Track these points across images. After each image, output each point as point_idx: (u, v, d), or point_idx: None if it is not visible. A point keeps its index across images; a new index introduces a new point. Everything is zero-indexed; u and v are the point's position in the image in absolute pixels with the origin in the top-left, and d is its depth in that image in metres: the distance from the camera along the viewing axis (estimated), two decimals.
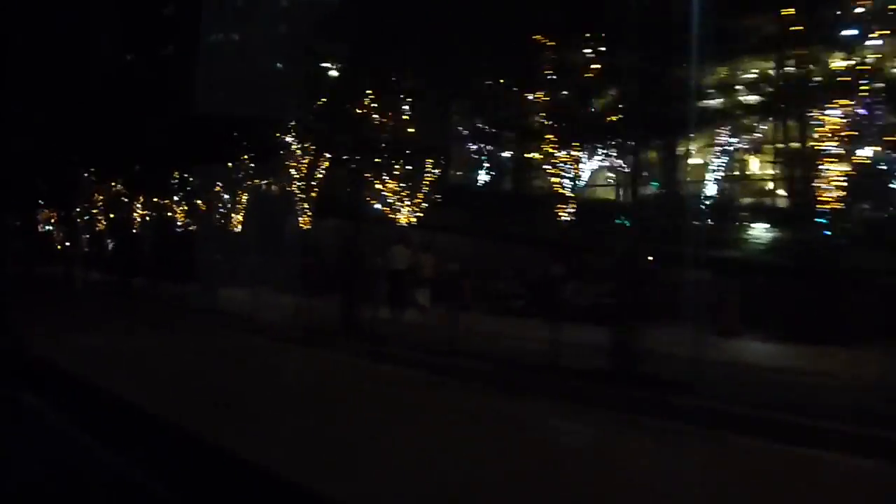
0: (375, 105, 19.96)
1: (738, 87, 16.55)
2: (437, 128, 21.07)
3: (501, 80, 18.03)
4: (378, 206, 21.38)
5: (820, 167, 14.34)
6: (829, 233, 16.11)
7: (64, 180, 37.57)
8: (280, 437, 6.55)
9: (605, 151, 18.25)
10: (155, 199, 30.65)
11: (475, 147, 22.14)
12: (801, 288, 14.51)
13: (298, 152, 24.53)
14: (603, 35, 16.10)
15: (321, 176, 24.89)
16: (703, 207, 19.23)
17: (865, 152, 14.42)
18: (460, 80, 18.58)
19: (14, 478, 5.22)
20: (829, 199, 14.05)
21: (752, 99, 16.99)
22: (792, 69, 15.74)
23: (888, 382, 8.30)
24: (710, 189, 19.67)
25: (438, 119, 20.91)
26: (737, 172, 19.94)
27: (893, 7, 13.37)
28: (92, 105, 37.42)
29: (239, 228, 27.20)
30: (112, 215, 35.26)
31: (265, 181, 27.21)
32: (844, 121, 13.70)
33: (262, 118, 26.68)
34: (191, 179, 29.43)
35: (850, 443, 6.59)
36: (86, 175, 36.10)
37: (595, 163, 20.49)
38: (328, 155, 24.57)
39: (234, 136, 27.30)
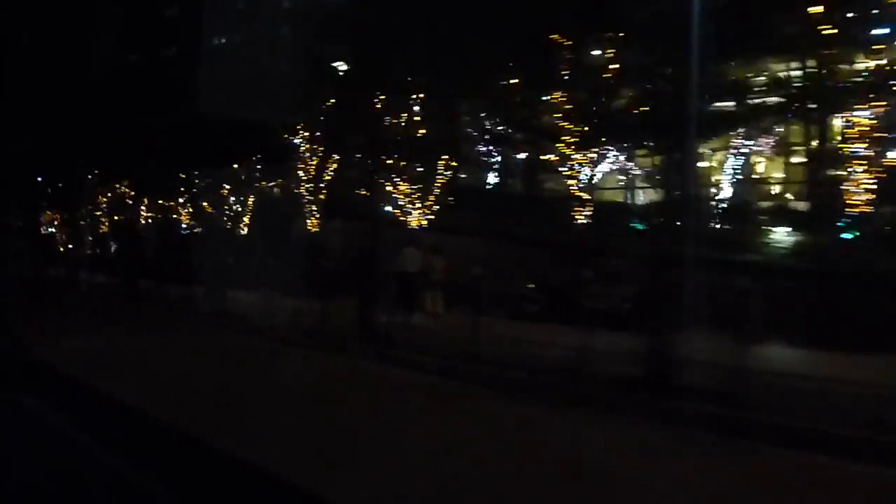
0: (387, 105, 19.65)
1: (761, 87, 16.17)
2: (449, 128, 20.68)
3: (516, 80, 17.62)
4: (388, 207, 21.00)
5: (848, 169, 14.02)
6: (850, 236, 15.81)
7: (68, 181, 37.21)
8: (301, 450, 6.17)
9: (623, 153, 17.87)
10: (160, 201, 30.28)
11: (486, 148, 21.73)
12: (827, 292, 14.15)
13: (307, 153, 24.16)
14: (622, 34, 15.86)
15: (329, 177, 24.53)
16: (722, 210, 18.91)
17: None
18: (474, 79, 18.17)
19: (13, 479, 5.19)
20: (858, 203, 13.71)
21: (775, 99, 16.66)
22: (813, 69, 15.46)
23: None
24: (728, 191, 19.35)
25: (451, 119, 20.51)
26: (756, 174, 19.55)
27: None
28: (95, 105, 37.08)
29: (245, 230, 26.81)
30: (116, 217, 34.89)
31: (272, 182, 26.83)
32: (874, 122, 13.36)
33: (268, 119, 26.33)
34: (196, 181, 29.03)
35: None
36: (89, 177, 35.73)
37: (605, 165, 20.19)
38: (337, 156, 24.29)
39: (239, 137, 26.93)
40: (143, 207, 31.93)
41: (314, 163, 24.39)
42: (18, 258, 41.45)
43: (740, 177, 18.18)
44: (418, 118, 20.38)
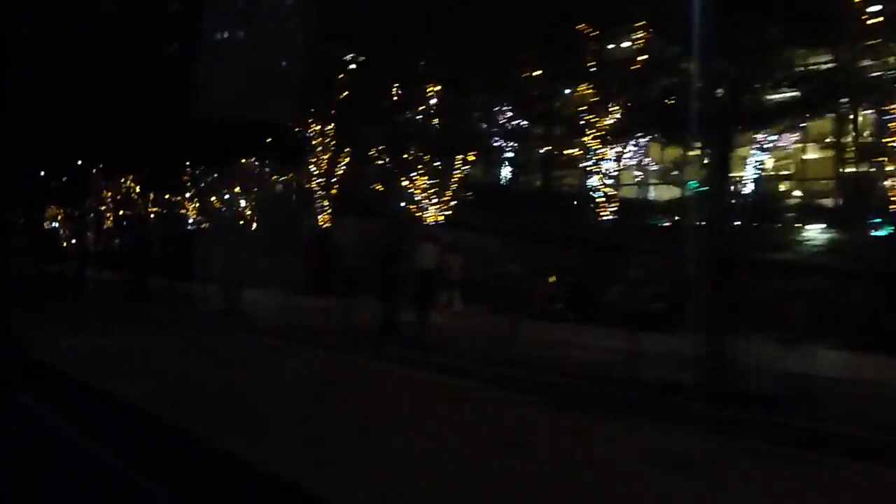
0: (404, 97, 19.12)
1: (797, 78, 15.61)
2: (468, 122, 20.12)
3: (539, 72, 17.07)
4: (404, 203, 20.45)
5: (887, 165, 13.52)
6: (885, 233, 15.29)
7: (72, 176, 36.69)
8: (332, 465, 5.64)
9: (653, 147, 17.33)
10: (167, 196, 29.75)
11: (506, 143, 21.18)
12: (867, 292, 13.64)
13: (319, 147, 23.62)
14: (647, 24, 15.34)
15: (341, 172, 24.01)
16: (753, 207, 18.39)
17: None
18: (495, 70, 17.62)
19: (13, 479, 5.11)
20: None
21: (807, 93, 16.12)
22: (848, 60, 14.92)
23: None
24: (753, 188, 18.82)
25: (470, 113, 19.96)
26: (784, 171, 19.00)
27: None
28: (100, 101, 36.55)
29: (254, 226, 26.26)
30: (122, 212, 34.37)
31: (282, 178, 26.29)
32: None
33: (279, 113, 25.82)
34: (205, 176, 28.52)
35: None
36: (94, 171, 35.20)
37: (621, 162, 19.64)
38: (349, 150, 23.75)
39: (249, 132, 26.42)
40: (148, 203, 31.38)
41: (326, 157, 23.87)
42: (20, 255, 40.95)
43: (771, 173, 17.64)
44: (435, 111, 19.84)
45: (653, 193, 21.21)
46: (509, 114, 20.05)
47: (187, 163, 29.01)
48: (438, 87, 19.38)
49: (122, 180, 33.08)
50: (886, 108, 13.49)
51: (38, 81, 40.32)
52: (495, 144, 21.10)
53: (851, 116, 16.54)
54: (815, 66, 16.21)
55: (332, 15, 22.04)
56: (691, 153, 19.85)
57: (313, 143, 23.89)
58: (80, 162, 35.50)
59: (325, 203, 24.21)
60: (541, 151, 20.40)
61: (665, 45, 16.03)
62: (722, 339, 8.74)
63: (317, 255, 23.19)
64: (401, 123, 18.90)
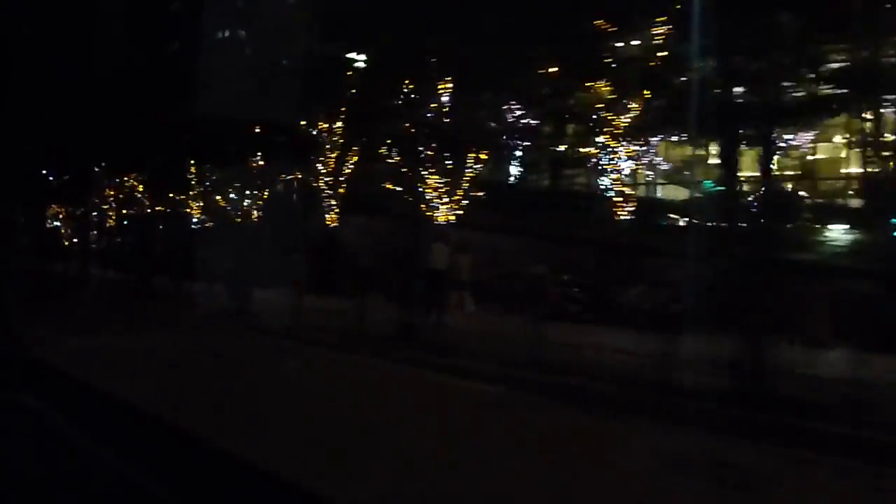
0: (415, 94, 18.85)
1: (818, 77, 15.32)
2: (480, 119, 19.80)
3: (555, 69, 16.76)
4: (415, 202, 20.13)
5: None
6: None
7: (74, 175, 36.28)
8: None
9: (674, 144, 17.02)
10: (171, 195, 29.37)
11: (518, 142, 20.87)
12: (892, 294, 13.35)
13: (327, 146, 23.31)
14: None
15: (349, 171, 23.69)
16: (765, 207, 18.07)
17: None
18: (509, 67, 17.30)
19: (13, 479, 5.06)
20: None
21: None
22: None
23: None
24: (769, 186, 18.52)
25: (482, 110, 19.63)
26: (801, 169, 18.72)
27: None
28: (100, 99, 36.17)
29: (260, 225, 25.93)
30: (124, 211, 34.02)
31: (289, 177, 25.96)
32: None
33: (285, 111, 25.51)
34: (210, 175, 28.17)
35: None
36: (96, 169, 34.80)
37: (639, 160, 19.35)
38: (358, 149, 23.44)
39: (253, 131, 26.07)
40: (151, 201, 30.98)
41: (334, 156, 23.55)
42: (21, 254, 40.64)
43: (789, 172, 17.36)
44: (446, 109, 19.54)
45: (660, 193, 20.95)
46: (522, 111, 19.73)
47: (191, 161, 28.64)
48: (450, 85, 19.06)
49: (125, 179, 32.70)
50: None
51: (39, 79, 39.93)
52: (508, 142, 20.77)
53: (871, 115, 16.26)
54: (837, 63, 15.97)
55: (341, 11, 21.75)
56: (707, 152, 19.63)
57: (321, 141, 23.57)
58: (82, 160, 35.08)
59: (333, 202, 23.88)
60: (554, 150, 20.09)
61: (681, 42, 15.78)
62: (758, 342, 8.46)
63: (324, 255, 22.91)
64: (412, 120, 18.64)
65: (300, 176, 25.46)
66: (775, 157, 18.40)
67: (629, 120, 15.84)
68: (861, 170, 16.83)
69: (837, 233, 15.76)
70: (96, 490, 5.00)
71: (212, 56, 31.13)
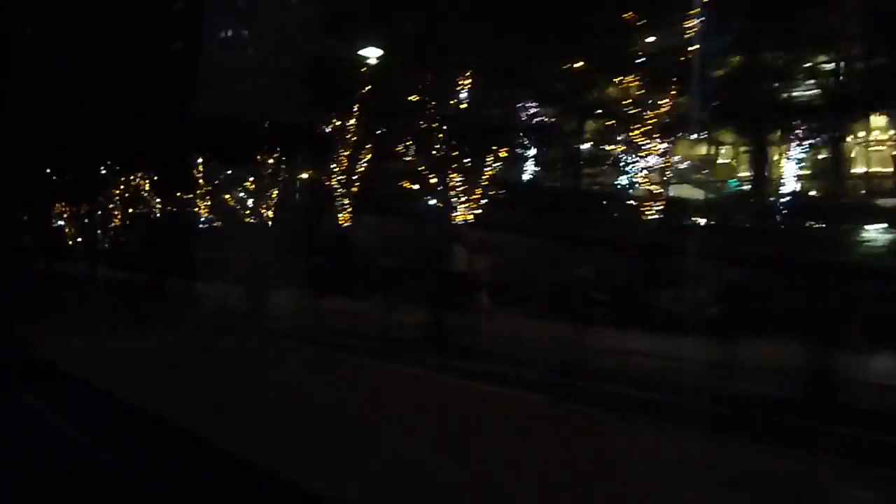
0: (434, 89, 18.36)
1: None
2: (502, 116, 19.27)
3: (581, 63, 16.22)
4: (433, 201, 19.65)
5: None
6: None
7: (80, 174, 35.84)
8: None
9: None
10: (178, 194, 28.88)
11: (538, 139, 20.32)
12: None
13: (339, 145, 22.81)
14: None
15: (363, 169, 23.18)
16: (793, 207, 17.61)
17: None
18: (533, 61, 16.80)
19: (14, 479, 4.97)
20: None
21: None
22: None
23: None
24: (798, 186, 18.05)
25: (504, 106, 19.11)
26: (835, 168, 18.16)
27: None
28: (107, 98, 35.76)
29: (270, 225, 25.38)
30: (131, 210, 33.52)
31: (300, 176, 25.43)
32: None
33: (297, 109, 25.04)
34: (218, 173, 27.67)
35: None
36: (103, 171, 34.36)
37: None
38: (370, 146, 22.93)
39: (265, 129, 25.61)
40: (158, 200, 30.52)
41: (347, 154, 23.04)
42: (22, 253, 40.17)
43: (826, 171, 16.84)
44: (464, 105, 19.02)
45: (683, 192, 20.43)
46: (546, 107, 19.20)
47: (199, 160, 28.15)
48: (470, 81, 18.54)
49: (132, 178, 32.20)
50: None
51: (44, 79, 39.52)
52: (530, 139, 20.24)
53: None
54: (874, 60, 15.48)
55: (357, 3, 21.30)
56: (737, 149, 19.15)
57: (335, 138, 23.08)
58: (87, 159, 34.65)
59: (346, 201, 23.36)
60: (579, 147, 19.57)
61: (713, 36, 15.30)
62: (827, 350, 7.95)
63: (338, 255, 22.39)
64: (433, 116, 18.15)
65: (313, 174, 24.93)
66: (808, 156, 17.98)
67: (656, 118, 15.30)
68: None
69: (875, 233, 15.25)
70: (96, 490, 4.93)
71: (222, 54, 30.74)
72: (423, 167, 18.82)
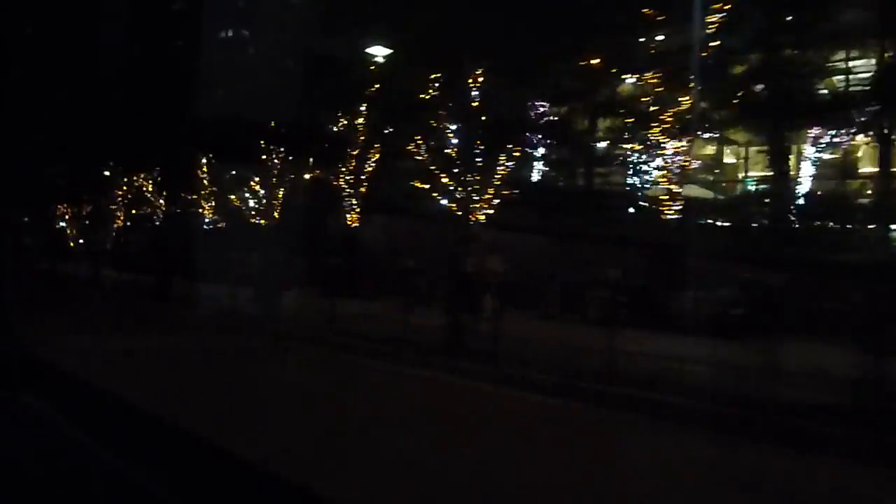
0: (444, 87, 17.95)
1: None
2: (515, 114, 18.88)
3: (598, 59, 15.84)
4: (444, 201, 19.23)
5: None
6: None
7: (81, 175, 35.39)
8: None
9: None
10: (182, 194, 28.45)
11: (552, 137, 19.94)
12: None
13: (349, 144, 22.44)
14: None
15: (371, 169, 22.81)
16: (811, 205, 17.27)
17: None
18: (547, 58, 16.42)
19: (14, 479, 4.48)
20: None
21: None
22: None
23: None
24: (815, 184, 17.73)
25: (517, 104, 18.72)
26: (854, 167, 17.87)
27: None
28: (110, 97, 35.32)
29: (277, 226, 24.96)
30: (133, 211, 33.08)
31: (307, 175, 25.01)
32: None
33: (303, 109, 24.67)
34: (223, 174, 27.24)
35: None
36: (106, 173, 33.93)
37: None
38: (378, 145, 22.57)
39: (271, 129, 25.21)
40: (162, 201, 30.07)
41: (355, 153, 22.67)
42: (23, 254, 39.78)
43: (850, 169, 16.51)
44: (475, 104, 18.63)
45: (697, 191, 20.09)
46: (561, 105, 18.84)
47: (203, 160, 27.75)
48: (481, 79, 18.14)
49: (135, 178, 31.76)
50: None
51: (45, 79, 39.11)
52: (543, 138, 19.86)
53: None
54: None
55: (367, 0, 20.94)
56: (758, 148, 18.79)
57: (342, 137, 22.71)
58: (89, 160, 34.21)
59: (354, 201, 22.98)
60: (596, 145, 19.20)
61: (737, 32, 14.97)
62: (881, 355, 7.58)
63: (347, 256, 22.05)
64: (443, 115, 17.77)
65: (320, 174, 24.54)
66: (829, 155, 17.66)
67: (675, 116, 14.92)
68: None
69: None
70: (96, 490, 4.53)
71: (228, 52, 30.35)
72: (435, 166, 18.41)
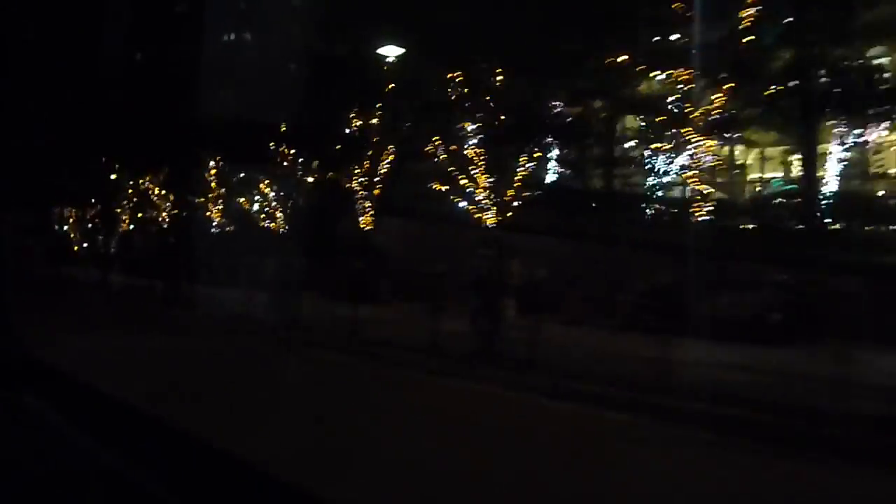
0: (463, 86, 17.49)
1: None
2: (535, 112, 18.40)
3: (626, 57, 15.33)
4: (463, 203, 18.73)
5: None
6: None
7: (86, 178, 34.94)
8: None
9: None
10: (189, 198, 27.97)
11: (574, 136, 19.43)
12: None
13: (363, 145, 21.98)
14: None
15: (385, 171, 22.32)
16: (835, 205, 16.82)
17: None
18: (571, 55, 15.96)
19: (13, 479, 4.80)
20: None
21: None
22: None
23: None
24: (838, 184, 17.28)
25: (540, 102, 18.24)
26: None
27: None
28: (115, 101, 34.97)
29: (288, 230, 24.47)
30: (140, 214, 32.59)
31: (319, 177, 24.52)
32: None
33: (314, 110, 24.25)
34: (231, 177, 26.80)
35: None
36: (113, 177, 33.46)
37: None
38: (392, 147, 22.09)
39: (281, 131, 24.79)
40: (169, 204, 29.59)
41: (369, 154, 22.18)
42: (23, 256, 39.22)
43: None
44: (491, 104, 18.15)
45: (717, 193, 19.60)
46: (585, 103, 18.34)
47: (211, 163, 27.31)
48: (500, 77, 17.66)
49: (141, 181, 31.28)
50: None
51: (50, 82, 38.72)
52: (565, 138, 19.36)
53: None
54: None
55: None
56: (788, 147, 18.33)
57: (356, 139, 22.26)
58: (94, 163, 33.79)
59: (368, 204, 22.48)
60: (622, 146, 18.69)
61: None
62: None
63: (361, 260, 21.55)
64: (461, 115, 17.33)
65: (333, 176, 24.05)
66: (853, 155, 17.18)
67: (707, 114, 14.42)
68: None
69: None
70: (96, 490, 4.78)
71: (238, 54, 29.94)
72: (453, 168, 17.92)
